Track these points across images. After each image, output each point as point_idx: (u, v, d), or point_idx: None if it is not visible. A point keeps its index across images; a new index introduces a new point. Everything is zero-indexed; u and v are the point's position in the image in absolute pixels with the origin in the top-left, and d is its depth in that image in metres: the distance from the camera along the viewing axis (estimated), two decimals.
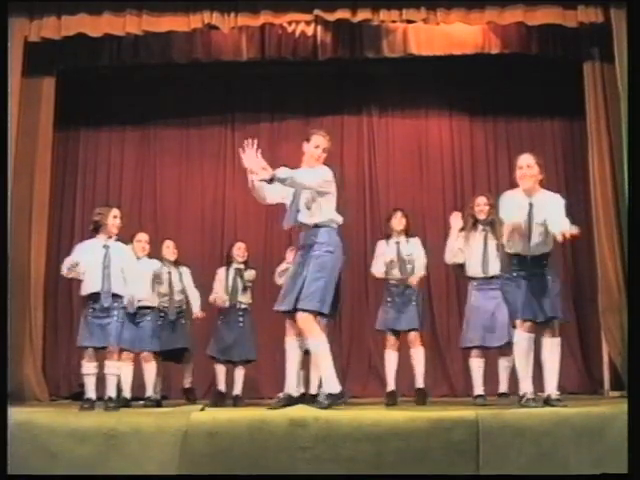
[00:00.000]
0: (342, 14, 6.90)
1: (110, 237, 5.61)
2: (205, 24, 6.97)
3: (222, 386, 6.74)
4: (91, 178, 8.59)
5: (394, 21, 7.17)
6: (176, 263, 6.81)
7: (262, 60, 7.68)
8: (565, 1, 6.88)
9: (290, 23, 7.35)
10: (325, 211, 4.98)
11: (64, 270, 5.61)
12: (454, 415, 4.49)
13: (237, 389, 6.73)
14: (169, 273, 6.64)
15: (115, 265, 5.56)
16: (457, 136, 8.65)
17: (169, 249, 6.77)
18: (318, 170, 5.00)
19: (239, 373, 6.73)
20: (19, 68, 6.88)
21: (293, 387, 4.97)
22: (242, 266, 6.93)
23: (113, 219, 5.57)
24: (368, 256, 8.39)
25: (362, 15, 6.93)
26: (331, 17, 6.96)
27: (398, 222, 6.58)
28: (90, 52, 7.51)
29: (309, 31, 7.51)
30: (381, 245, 6.67)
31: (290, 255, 6.40)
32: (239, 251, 6.96)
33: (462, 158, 8.57)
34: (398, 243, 6.53)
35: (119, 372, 5.70)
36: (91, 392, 5.61)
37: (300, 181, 4.86)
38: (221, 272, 6.95)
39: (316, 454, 4.31)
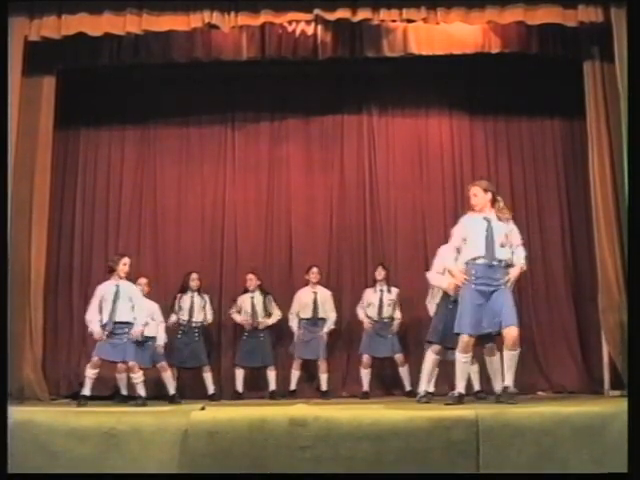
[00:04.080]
0: (342, 13, 6.89)
1: (120, 278, 6.86)
2: (205, 23, 6.95)
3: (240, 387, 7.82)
4: (91, 178, 8.57)
5: (394, 20, 7.16)
6: (199, 291, 7.82)
7: (262, 60, 7.66)
8: (565, 0, 6.87)
9: (290, 22, 7.33)
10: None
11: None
12: (454, 415, 4.50)
13: (272, 386, 7.80)
14: (192, 298, 7.75)
15: (124, 299, 6.78)
16: (457, 136, 8.64)
17: (194, 281, 7.81)
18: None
19: (271, 374, 7.79)
20: (19, 68, 6.86)
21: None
22: (258, 293, 7.90)
23: (123, 266, 6.86)
24: (368, 256, 8.42)
25: (362, 14, 6.92)
26: (331, 17, 6.94)
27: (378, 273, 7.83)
28: (90, 51, 7.49)
29: (309, 30, 7.49)
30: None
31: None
32: (250, 282, 7.91)
33: (462, 158, 8.56)
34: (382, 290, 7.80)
35: (141, 379, 6.84)
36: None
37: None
38: (241, 299, 7.97)
39: (316, 453, 4.32)
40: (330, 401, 7.20)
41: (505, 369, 5.66)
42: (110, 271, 6.95)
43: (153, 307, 7.47)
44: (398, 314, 7.76)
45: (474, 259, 5.70)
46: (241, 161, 8.68)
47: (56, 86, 7.43)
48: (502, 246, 5.71)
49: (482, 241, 5.70)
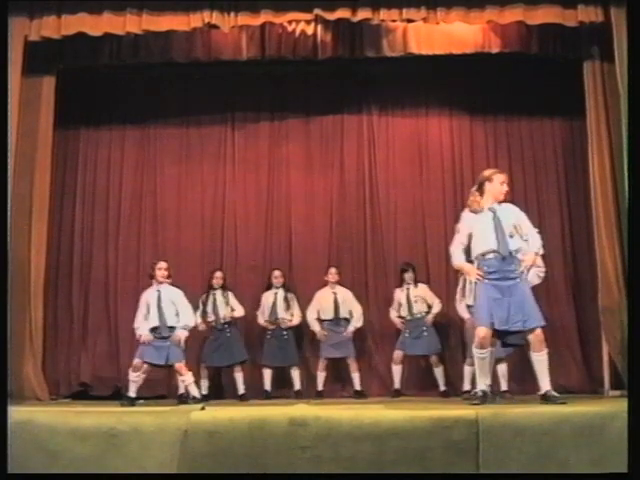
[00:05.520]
0: (342, 13, 6.89)
1: (161, 283, 7.00)
2: (205, 23, 6.96)
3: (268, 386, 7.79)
4: (91, 178, 8.56)
5: (394, 20, 7.16)
6: (222, 289, 7.81)
7: (262, 59, 7.66)
8: (565, 0, 6.87)
9: (290, 22, 7.33)
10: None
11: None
12: (454, 414, 4.50)
13: (297, 385, 7.78)
14: (214, 295, 7.73)
15: (166, 303, 6.91)
16: (457, 136, 8.63)
17: (217, 279, 7.84)
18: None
19: (295, 373, 7.78)
20: (19, 67, 6.86)
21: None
22: (282, 290, 7.89)
23: (159, 270, 7.00)
24: (368, 255, 8.42)
25: (362, 14, 6.92)
26: (331, 16, 6.95)
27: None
28: (90, 51, 7.48)
29: (309, 30, 7.49)
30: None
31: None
32: (276, 279, 7.91)
33: (462, 157, 8.55)
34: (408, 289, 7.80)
35: (191, 380, 6.87)
36: (133, 393, 6.82)
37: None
38: (265, 295, 7.96)
39: (316, 453, 4.32)
40: (330, 401, 7.19)
41: (538, 375, 5.39)
42: (150, 277, 7.10)
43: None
44: (434, 306, 7.71)
45: (483, 254, 5.49)
46: (241, 161, 8.68)
47: (56, 86, 7.42)
48: (511, 236, 5.49)
49: (491, 234, 5.48)
